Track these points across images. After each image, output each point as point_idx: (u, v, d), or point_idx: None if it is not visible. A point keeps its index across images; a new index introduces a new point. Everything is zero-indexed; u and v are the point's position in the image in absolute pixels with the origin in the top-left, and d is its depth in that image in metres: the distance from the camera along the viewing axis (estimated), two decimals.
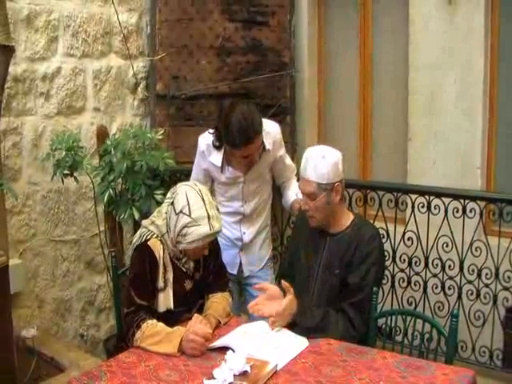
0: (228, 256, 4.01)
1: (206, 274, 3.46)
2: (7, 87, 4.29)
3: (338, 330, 3.23)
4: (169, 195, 3.30)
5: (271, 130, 3.91)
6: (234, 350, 2.89)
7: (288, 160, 4.16)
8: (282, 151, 4.06)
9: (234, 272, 4.12)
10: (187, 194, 3.16)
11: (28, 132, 4.63)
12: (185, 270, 3.35)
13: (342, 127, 5.93)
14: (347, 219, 3.47)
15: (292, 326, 3.19)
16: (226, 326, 3.28)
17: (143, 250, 3.24)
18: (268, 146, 3.84)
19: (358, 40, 5.68)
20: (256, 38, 5.58)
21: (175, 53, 5.43)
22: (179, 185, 3.29)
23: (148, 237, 3.25)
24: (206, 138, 3.90)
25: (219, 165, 3.86)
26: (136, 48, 5.45)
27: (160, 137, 4.59)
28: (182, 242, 3.15)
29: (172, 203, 3.20)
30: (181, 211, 3.12)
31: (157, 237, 3.25)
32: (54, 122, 4.79)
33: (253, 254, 4.14)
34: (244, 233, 4.08)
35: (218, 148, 3.83)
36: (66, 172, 4.38)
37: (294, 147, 5.70)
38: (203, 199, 3.15)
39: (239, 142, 3.58)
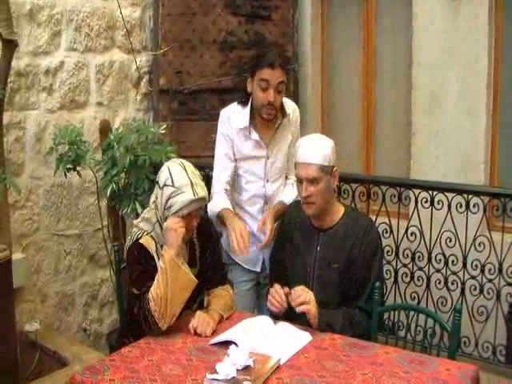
0: (251, 253, 3.76)
1: (203, 269, 3.45)
2: (10, 81, 4.29)
3: (362, 326, 3.28)
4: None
5: (294, 106, 4.04)
6: (236, 345, 2.89)
7: None
8: (298, 133, 4.02)
9: (258, 269, 3.97)
10: (169, 168, 3.21)
11: (31, 126, 4.63)
12: None
13: (345, 122, 5.93)
14: (339, 211, 3.47)
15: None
16: (228, 321, 3.27)
17: (136, 248, 3.23)
18: (289, 111, 3.89)
19: (362, 36, 5.68)
20: (259, 32, 5.58)
21: (178, 47, 5.44)
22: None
23: (139, 235, 3.25)
24: (228, 109, 3.91)
25: (247, 124, 3.79)
26: (139, 42, 5.45)
27: (163, 131, 4.58)
28: (169, 214, 3.16)
29: (157, 182, 3.24)
30: (164, 184, 3.16)
31: (147, 234, 3.25)
32: (56, 116, 4.80)
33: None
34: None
35: (244, 104, 3.83)
36: (68, 166, 4.39)
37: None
38: (185, 169, 3.20)
39: (265, 61, 3.64)
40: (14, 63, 4.11)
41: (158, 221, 3.25)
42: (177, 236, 3.06)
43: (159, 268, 3.09)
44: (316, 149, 3.30)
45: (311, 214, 3.41)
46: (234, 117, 3.83)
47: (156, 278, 3.08)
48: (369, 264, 3.35)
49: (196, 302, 3.46)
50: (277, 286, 3.24)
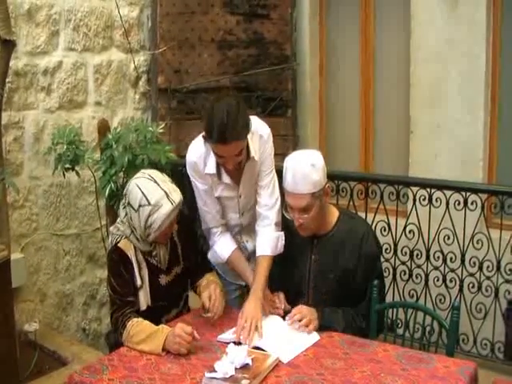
0: None
1: (187, 266, 3.47)
2: (8, 82, 4.30)
3: (362, 330, 3.26)
4: (123, 200, 3.28)
5: (262, 133, 3.47)
6: (239, 343, 2.90)
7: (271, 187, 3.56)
8: (268, 154, 3.53)
9: (243, 283, 3.78)
10: (139, 186, 3.16)
11: (29, 126, 4.64)
12: (158, 265, 3.34)
13: (344, 120, 5.93)
14: (332, 217, 3.37)
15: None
16: (234, 319, 3.24)
17: (115, 253, 3.26)
18: (253, 153, 3.40)
19: (360, 33, 5.68)
20: (257, 31, 5.59)
21: (176, 46, 5.45)
22: (128, 183, 3.28)
23: (118, 239, 3.27)
24: (193, 152, 3.48)
25: (214, 171, 3.42)
26: (137, 42, 5.45)
27: (161, 130, 4.58)
28: (152, 232, 3.16)
29: (129, 204, 3.19)
30: (139, 205, 3.12)
31: (126, 238, 3.26)
32: (55, 116, 4.80)
33: None
34: (247, 241, 3.78)
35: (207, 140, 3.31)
36: (67, 166, 4.38)
37: (295, 140, 5.71)
38: (155, 181, 3.16)
39: (215, 136, 3.16)
40: (12, 63, 4.10)
41: (133, 235, 3.25)
42: (178, 349, 2.92)
43: (146, 329, 3.04)
44: (306, 178, 3.11)
45: (306, 235, 3.33)
46: (199, 162, 3.44)
47: (138, 338, 3.01)
48: (369, 276, 3.30)
49: (182, 298, 3.51)
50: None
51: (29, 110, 4.63)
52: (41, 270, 4.80)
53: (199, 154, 3.43)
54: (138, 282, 3.24)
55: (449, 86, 4.98)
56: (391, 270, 4.62)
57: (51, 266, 4.87)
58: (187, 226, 3.52)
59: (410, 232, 4.57)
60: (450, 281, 4.47)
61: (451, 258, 4.44)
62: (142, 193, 3.12)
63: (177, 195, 3.16)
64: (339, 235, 3.32)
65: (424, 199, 4.45)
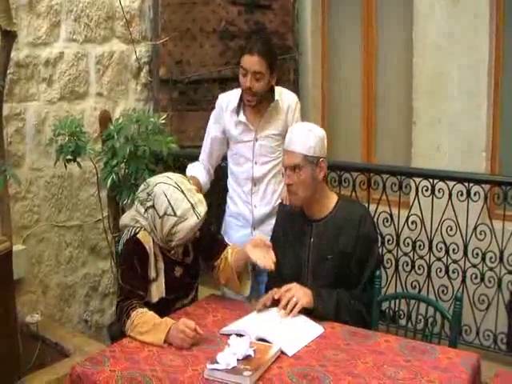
0: (242, 237, 3.92)
1: (196, 256, 3.48)
2: (9, 73, 4.29)
3: (352, 317, 3.23)
4: (143, 195, 3.29)
5: (291, 96, 4.05)
6: (246, 335, 2.89)
7: None
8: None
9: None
10: (165, 193, 3.18)
11: (31, 118, 4.63)
12: (174, 258, 3.36)
13: (346, 110, 5.92)
14: (331, 201, 3.39)
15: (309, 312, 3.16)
16: (237, 311, 3.27)
17: (133, 244, 3.24)
18: (277, 96, 3.93)
19: (362, 24, 5.66)
20: (259, 21, 5.57)
21: (178, 37, 5.43)
22: (153, 182, 3.30)
23: (137, 230, 3.25)
24: (226, 95, 4.06)
25: (235, 105, 3.95)
26: (139, 32, 5.44)
27: (163, 121, 4.56)
28: (174, 239, 3.19)
29: (153, 207, 3.20)
30: (165, 213, 3.15)
31: (145, 230, 3.26)
32: (56, 107, 4.79)
33: (266, 235, 3.80)
34: (255, 206, 3.97)
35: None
36: (68, 157, 4.36)
37: None
38: (182, 191, 3.18)
39: (246, 47, 3.79)
40: (13, 54, 4.11)
41: (153, 233, 3.26)
42: (181, 344, 2.91)
43: (150, 320, 3.03)
44: (300, 138, 3.26)
45: (295, 205, 3.36)
46: (226, 101, 4.02)
47: (141, 329, 3.00)
48: (365, 259, 3.30)
49: (193, 290, 3.54)
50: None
51: (30, 102, 4.62)
52: (43, 262, 4.80)
53: (228, 97, 4.03)
54: (152, 275, 3.24)
55: (451, 77, 4.96)
56: (393, 261, 4.62)
57: (53, 258, 4.87)
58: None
59: (412, 223, 4.56)
60: (453, 272, 4.46)
61: (454, 249, 4.43)
62: (169, 202, 3.15)
63: (202, 207, 3.20)
64: (338, 219, 3.34)
65: (427, 190, 4.44)
